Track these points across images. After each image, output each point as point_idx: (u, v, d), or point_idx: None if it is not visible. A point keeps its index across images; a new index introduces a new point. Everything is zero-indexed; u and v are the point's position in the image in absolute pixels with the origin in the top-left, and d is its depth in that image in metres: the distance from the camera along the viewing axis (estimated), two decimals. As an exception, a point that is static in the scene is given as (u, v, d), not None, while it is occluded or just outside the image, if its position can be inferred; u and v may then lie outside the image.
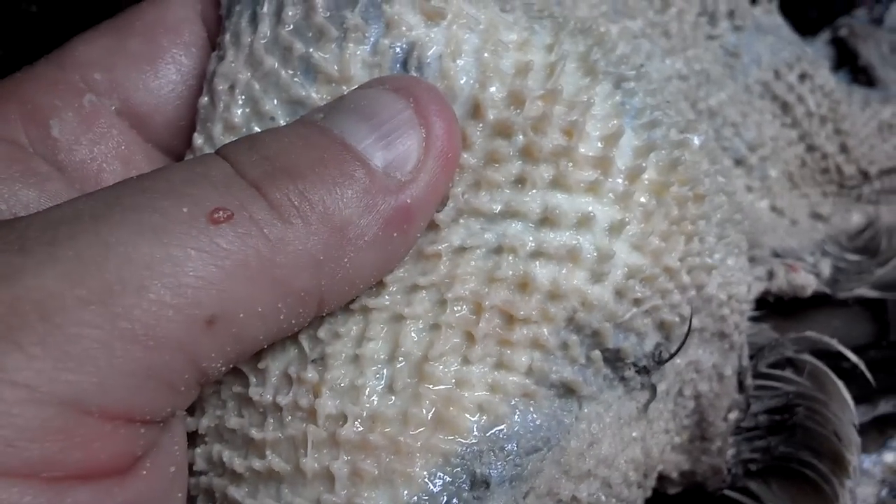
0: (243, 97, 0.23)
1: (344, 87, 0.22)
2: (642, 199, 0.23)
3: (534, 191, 0.22)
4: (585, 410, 0.23)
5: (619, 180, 0.22)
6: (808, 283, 0.37)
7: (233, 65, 0.23)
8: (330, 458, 0.21)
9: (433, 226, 0.22)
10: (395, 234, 0.20)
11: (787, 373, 0.31)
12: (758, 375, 0.30)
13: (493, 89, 0.22)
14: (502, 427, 0.22)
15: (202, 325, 0.18)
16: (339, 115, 0.21)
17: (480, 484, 0.21)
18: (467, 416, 0.21)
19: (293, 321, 0.20)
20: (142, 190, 0.19)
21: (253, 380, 0.22)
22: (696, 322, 0.25)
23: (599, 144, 0.22)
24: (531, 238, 0.22)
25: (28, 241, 0.17)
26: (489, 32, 0.22)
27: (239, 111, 0.23)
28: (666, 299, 0.24)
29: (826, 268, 0.38)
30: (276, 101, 0.23)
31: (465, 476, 0.21)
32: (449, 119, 0.21)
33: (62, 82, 0.24)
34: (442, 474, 0.21)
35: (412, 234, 0.21)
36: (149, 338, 0.17)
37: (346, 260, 0.20)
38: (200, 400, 0.23)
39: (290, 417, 0.21)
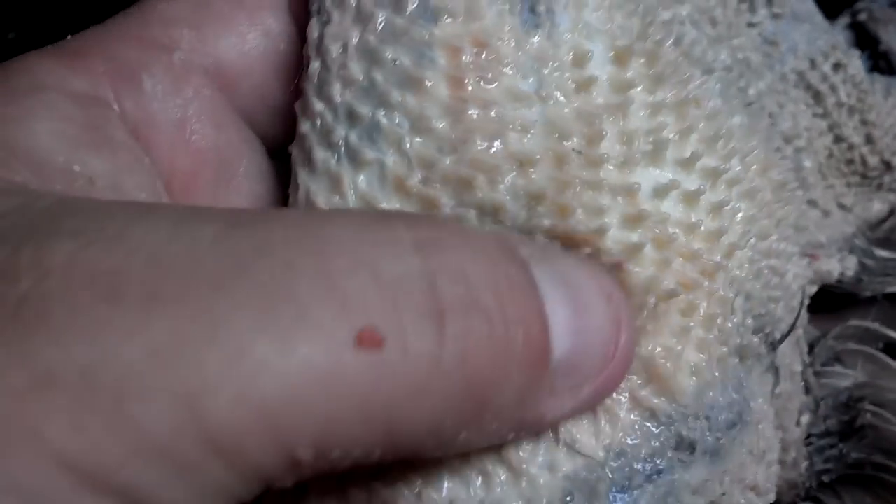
0: (359, 52, 0.21)
1: (473, 24, 0.21)
2: (754, 176, 0.23)
3: (693, 147, 0.22)
4: (748, 389, 0.23)
5: (739, 156, 0.23)
6: (832, 266, 0.37)
7: (341, 24, 0.21)
8: None
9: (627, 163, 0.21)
10: (510, 436, 0.18)
11: (838, 368, 0.30)
12: (815, 374, 0.30)
13: (624, 43, 0.22)
14: (709, 394, 0.21)
15: (291, 460, 0.15)
16: (545, 272, 0.17)
17: (687, 447, 0.21)
18: (683, 375, 0.21)
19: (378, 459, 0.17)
20: (288, 266, 0.15)
21: None
22: (778, 311, 0.25)
23: (717, 121, 0.23)
24: (708, 194, 0.22)
25: (130, 287, 0.14)
26: None
27: (356, 66, 0.21)
28: (771, 276, 0.24)
29: (851, 266, 0.38)
30: (395, 47, 0.21)
31: (671, 435, 0.21)
32: (632, 342, 0.19)
33: (147, 38, 0.22)
34: (649, 427, 0.20)
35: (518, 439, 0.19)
36: (227, 453, 0.14)
37: (462, 435, 0.16)
38: None
39: None
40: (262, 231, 0.15)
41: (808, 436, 0.29)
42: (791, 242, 0.26)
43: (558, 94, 0.21)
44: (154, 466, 0.14)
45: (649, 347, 0.20)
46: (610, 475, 0.20)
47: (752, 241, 0.23)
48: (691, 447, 0.21)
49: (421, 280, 0.15)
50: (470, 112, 0.20)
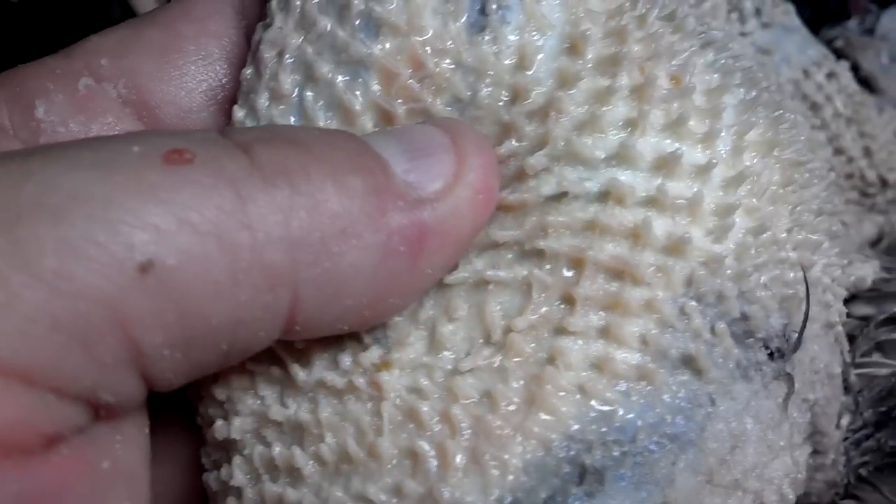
0: (293, 63, 0.20)
1: (413, 38, 0.19)
2: (751, 158, 0.20)
3: (646, 136, 0.19)
4: (721, 408, 0.19)
5: (729, 135, 0.20)
6: (865, 272, 0.36)
7: (281, 30, 0.20)
8: (408, 440, 0.18)
9: (521, 175, 0.19)
10: (401, 249, 0.17)
11: (877, 358, 0.28)
12: (854, 367, 0.28)
13: (585, 28, 0.20)
14: (613, 413, 0.18)
15: (132, 273, 0.14)
16: (370, 134, 0.19)
17: (592, 477, 0.18)
18: (566, 397, 0.18)
19: (258, 312, 0.16)
20: (92, 139, 0.17)
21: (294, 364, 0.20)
22: (792, 310, 0.22)
23: (703, 97, 0.20)
24: (643, 186, 0.19)
25: None
26: None
27: (288, 78, 0.20)
28: (781, 272, 0.21)
29: (876, 268, 0.37)
30: (332, 64, 0.20)
31: (570, 467, 0.18)
32: (488, 158, 0.19)
33: (62, 68, 0.22)
34: (542, 464, 0.18)
35: (422, 261, 0.18)
36: (59, 278, 0.14)
37: (335, 250, 0.16)
38: (232, 401, 0.20)
39: (350, 397, 0.19)
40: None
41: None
42: (816, 232, 0.23)
43: (485, 111, 0.20)
44: None
45: (519, 372, 0.18)
46: None
47: (737, 232, 0.20)
48: (598, 475, 0.18)
49: (217, 134, 0.17)
50: None
